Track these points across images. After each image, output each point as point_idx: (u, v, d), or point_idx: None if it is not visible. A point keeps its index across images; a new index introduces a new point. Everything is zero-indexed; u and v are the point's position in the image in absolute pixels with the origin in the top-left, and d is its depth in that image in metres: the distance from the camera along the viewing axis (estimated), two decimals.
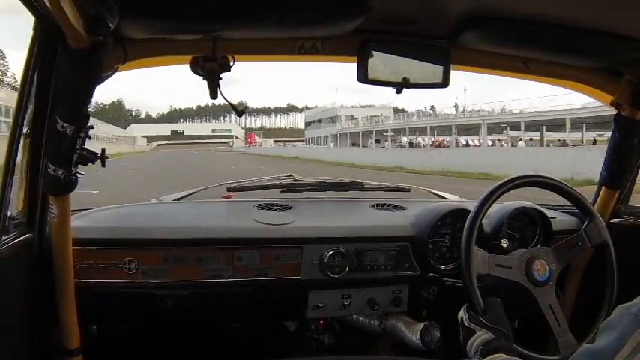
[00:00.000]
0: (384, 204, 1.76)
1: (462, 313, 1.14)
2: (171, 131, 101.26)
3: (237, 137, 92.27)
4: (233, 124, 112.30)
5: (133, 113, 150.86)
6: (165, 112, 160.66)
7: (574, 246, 1.37)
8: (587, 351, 0.64)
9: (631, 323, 0.61)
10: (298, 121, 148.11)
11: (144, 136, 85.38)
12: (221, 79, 1.22)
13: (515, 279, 1.28)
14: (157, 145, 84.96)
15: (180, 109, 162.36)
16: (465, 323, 1.10)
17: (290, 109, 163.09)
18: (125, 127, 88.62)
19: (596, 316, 1.33)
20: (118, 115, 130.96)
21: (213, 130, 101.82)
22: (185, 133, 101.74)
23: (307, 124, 70.39)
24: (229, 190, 1.84)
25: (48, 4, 0.87)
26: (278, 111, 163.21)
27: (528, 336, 1.28)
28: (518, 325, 1.42)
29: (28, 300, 1.21)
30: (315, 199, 1.93)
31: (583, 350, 0.65)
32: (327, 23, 1.17)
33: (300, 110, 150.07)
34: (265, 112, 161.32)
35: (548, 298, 1.28)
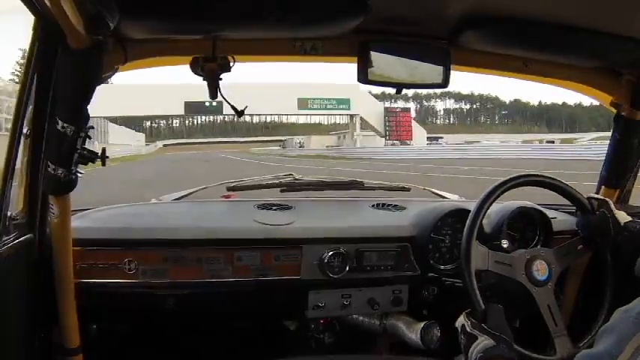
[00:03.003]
0: (384, 204, 1.76)
1: (462, 320, 1.11)
2: (186, 104, 35.82)
3: (366, 124, 40.01)
4: (353, 87, 33.00)
5: None
6: None
7: (575, 248, 1.37)
8: (587, 356, 0.63)
9: (630, 327, 0.60)
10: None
11: (113, 117, 36.02)
12: (221, 79, 1.23)
13: (514, 277, 1.28)
14: (164, 146, 53.21)
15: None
16: (467, 329, 1.08)
17: None
18: None
19: (595, 318, 1.33)
20: None
21: (303, 102, 38.54)
22: (224, 112, 35.17)
23: None
24: (229, 189, 1.83)
25: (48, 4, 0.87)
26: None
27: (528, 336, 1.28)
28: (519, 325, 1.43)
29: (28, 300, 1.21)
30: (315, 198, 1.93)
31: (582, 355, 0.64)
32: (327, 23, 1.17)
33: None
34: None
35: (547, 299, 1.28)
